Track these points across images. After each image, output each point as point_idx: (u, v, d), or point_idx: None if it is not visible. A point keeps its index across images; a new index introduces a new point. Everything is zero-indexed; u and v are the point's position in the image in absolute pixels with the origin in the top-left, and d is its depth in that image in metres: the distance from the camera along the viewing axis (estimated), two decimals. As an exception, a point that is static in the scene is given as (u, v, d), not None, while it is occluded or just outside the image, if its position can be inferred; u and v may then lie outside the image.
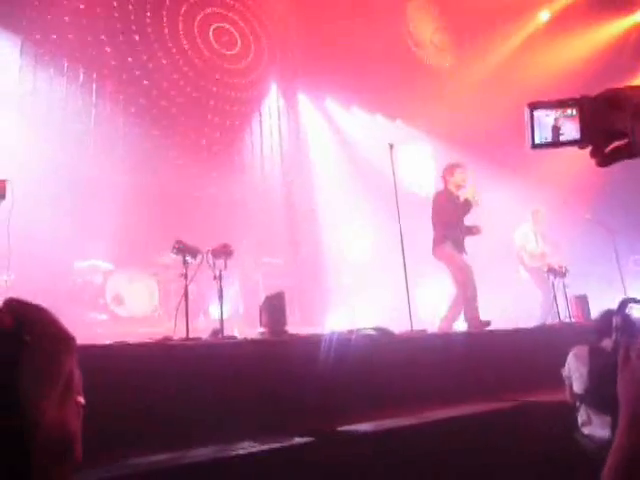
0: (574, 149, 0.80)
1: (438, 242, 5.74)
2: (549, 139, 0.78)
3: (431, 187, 9.74)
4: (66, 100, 6.90)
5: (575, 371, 2.87)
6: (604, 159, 0.77)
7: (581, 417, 2.79)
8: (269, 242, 7.71)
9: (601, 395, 2.62)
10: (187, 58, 8.04)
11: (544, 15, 9.96)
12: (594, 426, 2.71)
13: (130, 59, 7.49)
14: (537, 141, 0.79)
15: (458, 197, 5.80)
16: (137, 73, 7.53)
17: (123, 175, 6.78)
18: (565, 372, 2.94)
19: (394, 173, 5.41)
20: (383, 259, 6.71)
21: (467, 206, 5.69)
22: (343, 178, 9.09)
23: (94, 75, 7.18)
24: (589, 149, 0.78)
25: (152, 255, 6.45)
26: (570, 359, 2.92)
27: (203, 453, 2.18)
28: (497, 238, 7.58)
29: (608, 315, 2.78)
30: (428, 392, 3.27)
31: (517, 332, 4.54)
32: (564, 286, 5.99)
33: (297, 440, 2.37)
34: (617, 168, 0.79)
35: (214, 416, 2.56)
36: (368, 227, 8.89)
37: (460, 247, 5.77)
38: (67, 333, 0.43)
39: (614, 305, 6.34)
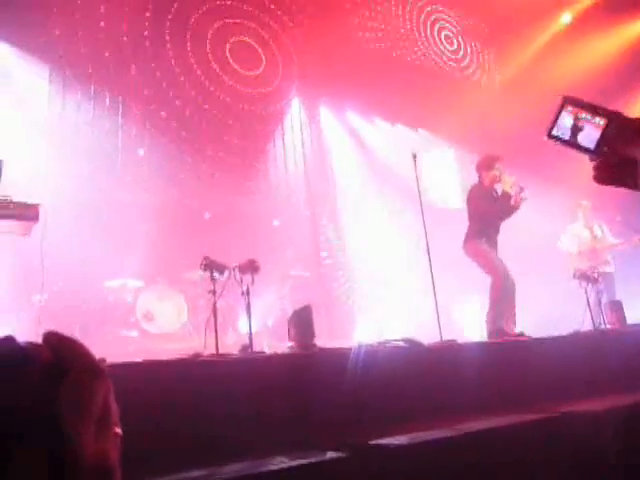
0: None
1: (471, 237, 5.43)
2: (565, 136, 0.78)
3: (456, 195, 9.68)
4: (93, 123, 7.09)
5: None
6: (605, 178, 0.76)
7: None
8: (296, 255, 7.74)
9: None
10: (210, 77, 8.18)
11: (566, 17, 9.85)
12: None
13: (156, 79, 7.66)
14: (554, 132, 0.78)
15: (495, 191, 5.49)
16: (162, 95, 7.69)
17: (150, 194, 6.92)
18: None
19: (418, 183, 5.38)
20: (411, 270, 6.66)
21: (506, 199, 5.29)
22: (367, 190, 9.09)
23: (120, 98, 7.36)
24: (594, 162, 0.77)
25: (180, 272, 6.54)
26: None
27: (235, 469, 2.17)
28: (532, 246, 7.48)
29: None
30: (461, 403, 3.21)
31: (551, 340, 4.43)
32: (598, 292, 5.84)
33: (329, 455, 2.35)
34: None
35: (245, 432, 2.55)
36: (394, 237, 8.84)
37: (493, 246, 5.47)
38: (100, 367, 0.44)
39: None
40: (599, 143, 0.74)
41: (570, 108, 0.78)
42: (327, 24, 8.79)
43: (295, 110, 9.20)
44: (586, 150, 0.76)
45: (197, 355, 3.57)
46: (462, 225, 5.67)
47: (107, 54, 7.24)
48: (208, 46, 8.19)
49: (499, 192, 5.46)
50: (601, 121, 0.75)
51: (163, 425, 2.40)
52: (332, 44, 8.75)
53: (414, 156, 5.46)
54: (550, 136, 0.79)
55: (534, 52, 9.72)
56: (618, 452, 2.59)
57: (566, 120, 0.78)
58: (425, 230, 5.21)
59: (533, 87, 8.86)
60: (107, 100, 7.27)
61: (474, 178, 5.83)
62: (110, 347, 5.00)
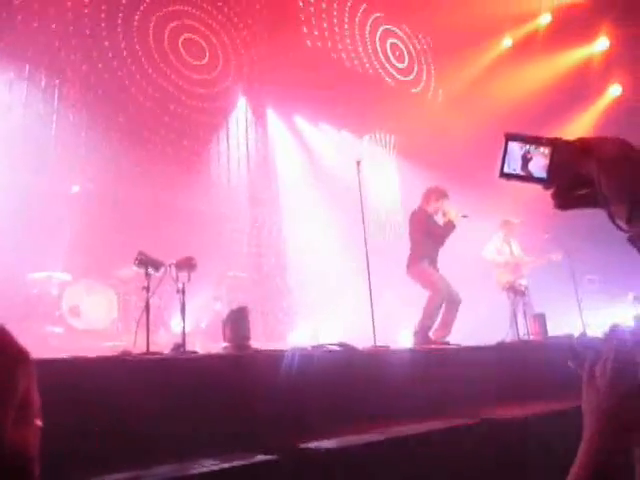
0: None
1: (414, 261, 5.76)
2: (517, 172, 0.80)
3: (396, 203, 9.90)
4: (25, 106, 6.72)
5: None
6: (565, 203, 0.79)
7: None
8: (234, 256, 7.64)
9: None
10: (155, 67, 7.96)
11: (507, 42, 10.31)
12: None
13: (97, 66, 7.37)
14: (506, 170, 0.80)
15: (434, 218, 5.86)
16: (102, 80, 7.40)
17: (83, 185, 6.63)
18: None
19: (360, 189, 5.46)
20: (348, 275, 6.74)
21: (450, 228, 5.72)
22: (309, 193, 9.12)
23: (57, 81, 7.03)
24: (550, 191, 0.80)
25: (112, 267, 6.30)
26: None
27: (162, 472, 2.11)
28: (468, 255, 7.72)
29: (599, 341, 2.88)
30: (392, 408, 3.27)
31: (478, 349, 4.60)
32: (523, 304, 6.13)
33: (259, 458, 2.33)
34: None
35: (174, 433, 2.49)
36: (334, 242, 8.92)
37: (435, 266, 5.82)
38: (25, 353, 0.42)
39: (569, 322, 6.47)
40: (549, 170, 0.77)
41: (514, 144, 0.80)
42: (278, 29, 8.79)
43: (241, 110, 9.11)
44: (539, 180, 0.78)
45: (126, 353, 3.45)
46: (401, 232, 5.82)
47: (49, 34, 6.89)
48: (151, 35, 7.97)
49: (442, 220, 5.85)
50: (546, 150, 0.78)
51: (87, 424, 2.30)
52: (283, 49, 8.76)
53: (358, 163, 5.55)
54: (502, 175, 0.81)
55: (476, 72, 10.12)
56: (536, 456, 2.72)
57: (513, 156, 0.80)
58: (365, 236, 5.29)
59: (474, 106, 9.22)
60: (42, 82, 6.91)
61: (413, 190, 6.03)
62: (33, 342, 4.73)
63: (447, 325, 5.64)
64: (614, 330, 1.02)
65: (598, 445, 0.95)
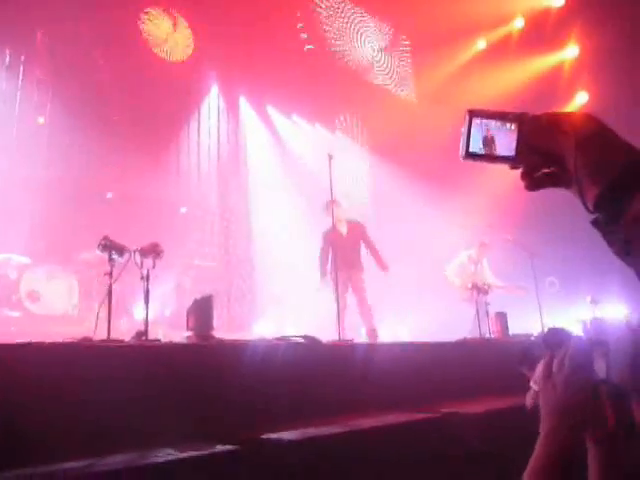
0: (504, 168, 0.76)
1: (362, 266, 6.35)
2: (482, 151, 0.73)
3: (364, 198, 9.94)
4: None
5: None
6: (534, 183, 0.74)
7: None
8: (201, 245, 7.55)
9: None
10: (124, 50, 7.76)
11: (481, 43, 10.44)
12: None
13: (65, 47, 7.13)
14: (471, 150, 0.74)
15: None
16: (69, 63, 7.17)
17: (46, 168, 6.43)
18: (535, 385, 3.09)
19: (332, 183, 5.45)
20: (315, 268, 6.73)
21: None
22: (279, 184, 9.07)
23: (22, 57, 6.78)
24: (519, 171, 0.74)
25: (75, 251, 6.14)
26: (539, 371, 3.08)
27: (119, 460, 2.07)
28: (429, 253, 7.82)
29: (556, 331, 2.98)
30: (354, 401, 3.29)
31: (440, 345, 4.66)
32: (486, 303, 6.23)
33: (219, 448, 2.30)
34: (540, 192, 0.77)
35: (132, 422, 2.44)
36: (302, 234, 8.91)
37: None
38: None
39: (530, 322, 6.62)
40: (517, 148, 0.72)
41: (478, 121, 0.74)
42: (253, 20, 8.67)
43: (213, 98, 8.98)
44: (507, 159, 0.73)
45: (86, 339, 3.37)
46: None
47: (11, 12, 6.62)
48: (122, 17, 7.76)
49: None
50: (512, 126, 0.72)
51: (42, 412, 2.23)
52: (257, 37, 8.65)
53: (330, 157, 5.53)
54: (468, 155, 0.74)
55: (449, 72, 10.22)
56: (496, 450, 2.77)
57: (478, 134, 0.73)
58: (334, 228, 5.29)
59: (447, 105, 9.31)
60: (7, 58, 6.66)
61: (383, 185, 6.09)
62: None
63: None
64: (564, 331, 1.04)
65: (555, 440, 0.96)
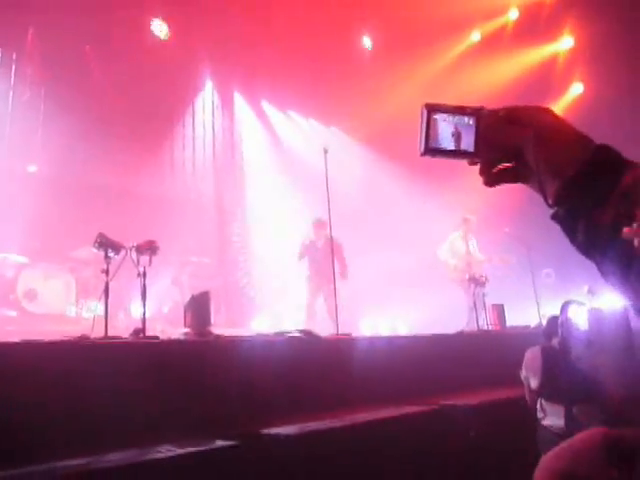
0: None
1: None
2: (443, 146, 0.72)
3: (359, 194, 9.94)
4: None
5: (530, 370, 3.10)
6: (492, 178, 0.73)
7: (539, 411, 3.06)
8: (197, 241, 7.54)
9: (554, 387, 2.95)
10: (118, 46, 7.71)
11: (475, 35, 10.41)
12: (550, 417, 2.98)
13: (58, 44, 7.07)
14: (430, 146, 0.72)
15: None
16: (63, 59, 7.11)
17: (42, 165, 6.41)
18: (522, 373, 3.17)
19: (327, 177, 5.44)
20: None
21: None
22: (276, 180, 9.06)
23: (14, 55, 6.73)
24: (478, 167, 0.73)
25: (71, 249, 6.13)
26: (525, 360, 3.18)
27: (120, 457, 2.07)
28: (426, 247, 7.83)
29: (554, 319, 3.09)
30: (353, 395, 3.30)
31: (438, 338, 4.68)
32: (483, 295, 6.25)
33: (219, 443, 2.31)
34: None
35: (132, 419, 2.44)
36: (299, 230, 8.90)
37: None
38: None
39: (527, 313, 6.65)
40: (476, 143, 0.71)
41: (436, 115, 0.72)
42: (249, 15, 8.62)
43: (208, 93, 8.94)
44: (465, 154, 0.71)
45: (84, 337, 3.36)
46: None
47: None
48: (115, 13, 7.70)
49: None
50: (470, 120, 0.71)
51: (44, 410, 2.24)
52: (251, 34, 8.60)
53: (325, 151, 5.52)
54: (427, 150, 0.72)
55: (444, 65, 10.19)
56: (491, 441, 2.79)
57: (437, 129, 0.72)
58: (330, 224, 5.30)
59: (442, 98, 9.29)
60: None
61: (381, 181, 6.09)
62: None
63: None
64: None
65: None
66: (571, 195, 0.64)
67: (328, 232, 6.55)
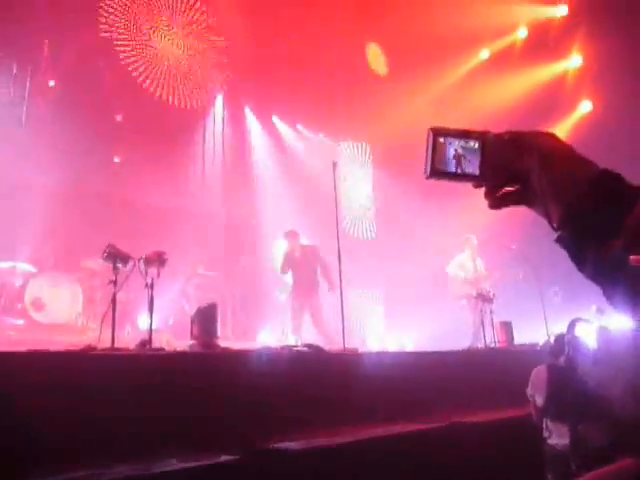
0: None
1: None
2: (449, 169, 0.73)
3: (369, 209, 9.95)
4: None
5: (536, 388, 3.09)
6: (497, 201, 0.74)
7: (545, 430, 3.04)
8: (206, 253, 7.55)
9: (559, 406, 2.95)
10: (131, 60, 7.82)
11: (484, 53, 10.47)
12: (555, 436, 2.97)
13: (71, 57, 7.18)
14: (435, 169, 0.73)
15: None
16: (75, 71, 7.20)
17: (51, 176, 6.45)
18: (529, 391, 3.17)
19: (336, 190, 5.46)
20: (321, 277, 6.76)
21: None
22: (285, 193, 9.09)
23: (29, 69, 6.83)
24: (483, 190, 0.74)
25: (79, 260, 6.15)
26: (532, 378, 3.17)
27: (123, 470, 2.06)
28: (431, 264, 7.81)
29: (561, 337, 3.09)
30: (359, 410, 3.27)
31: (446, 354, 4.64)
32: (491, 312, 6.21)
33: (223, 458, 2.29)
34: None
35: (137, 431, 2.43)
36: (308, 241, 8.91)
37: None
38: None
39: (535, 331, 6.59)
40: (481, 166, 0.72)
41: (442, 139, 0.73)
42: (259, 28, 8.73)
43: (218, 106, 9.03)
44: (471, 178, 0.73)
45: (90, 348, 3.36)
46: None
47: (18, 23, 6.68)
48: (130, 28, 7.83)
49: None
50: (475, 144, 0.73)
51: (48, 422, 2.23)
52: (263, 48, 8.71)
53: (334, 164, 5.54)
54: (432, 173, 0.73)
55: (453, 82, 10.24)
56: (500, 458, 2.75)
57: (442, 153, 0.73)
58: (338, 237, 5.29)
59: (450, 115, 9.32)
60: (14, 68, 6.70)
61: (387, 195, 6.10)
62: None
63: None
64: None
65: None
66: (576, 221, 0.64)
67: (301, 242, 6.78)
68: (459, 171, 0.73)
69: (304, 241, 6.96)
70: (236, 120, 9.24)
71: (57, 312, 5.87)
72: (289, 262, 6.70)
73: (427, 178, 0.75)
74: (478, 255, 7.73)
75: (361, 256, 7.25)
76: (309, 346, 4.14)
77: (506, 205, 0.75)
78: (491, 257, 8.04)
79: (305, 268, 6.63)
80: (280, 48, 8.83)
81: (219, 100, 9.01)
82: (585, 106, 10.39)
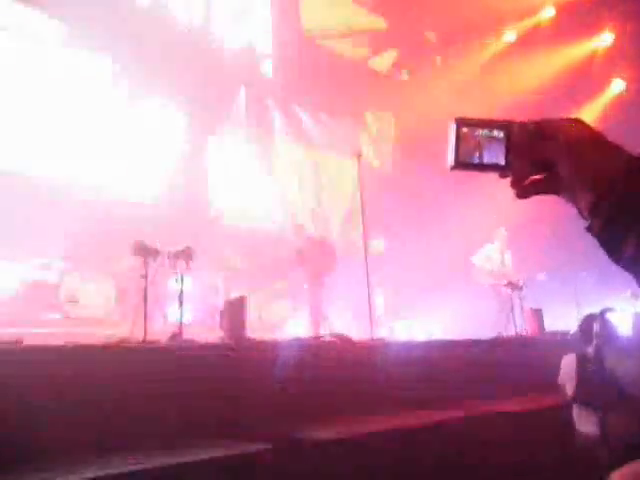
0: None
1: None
2: (474, 160, 0.73)
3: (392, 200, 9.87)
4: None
5: (566, 377, 3.11)
6: (524, 190, 0.73)
7: (575, 417, 3.03)
8: (233, 247, 7.63)
9: (588, 395, 2.95)
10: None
11: (510, 36, 10.24)
12: (585, 425, 2.96)
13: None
14: (460, 159, 0.73)
15: None
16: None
17: (82, 174, 6.60)
18: (560, 380, 3.14)
19: (360, 182, 5.42)
20: (348, 266, 6.76)
21: None
22: (310, 183, 9.10)
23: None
24: (509, 179, 0.73)
25: (111, 255, 6.29)
26: (562, 366, 3.15)
27: (156, 459, 2.11)
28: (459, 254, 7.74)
29: (590, 319, 3.13)
30: (388, 399, 3.28)
31: (476, 343, 4.60)
32: (520, 299, 6.12)
33: (255, 447, 2.33)
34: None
35: (170, 421, 2.49)
36: (336, 235, 8.91)
37: None
38: None
39: (567, 318, 6.46)
40: (506, 156, 0.71)
41: (466, 129, 0.73)
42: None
43: (242, 98, 9.06)
44: (497, 167, 0.72)
45: (123, 341, 3.45)
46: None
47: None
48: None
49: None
50: (500, 134, 0.72)
51: (85, 412, 2.30)
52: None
53: (358, 156, 5.48)
54: (457, 164, 0.73)
55: (479, 65, 10.05)
56: (528, 447, 2.73)
57: (467, 143, 0.73)
58: (363, 226, 5.28)
59: (477, 99, 9.16)
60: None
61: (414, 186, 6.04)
62: (29, 329, 4.74)
63: None
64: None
65: None
66: (608, 210, 0.62)
67: (307, 234, 6.97)
68: (484, 161, 0.72)
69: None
70: (259, 113, 9.24)
71: (91, 306, 6.03)
72: (300, 255, 6.93)
73: (451, 169, 0.74)
74: (508, 248, 7.57)
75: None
76: (337, 336, 4.16)
77: (534, 194, 0.74)
78: (522, 247, 7.88)
79: (311, 262, 6.84)
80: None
81: (242, 91, 9.04)
82: (617, 85, 10.09)
